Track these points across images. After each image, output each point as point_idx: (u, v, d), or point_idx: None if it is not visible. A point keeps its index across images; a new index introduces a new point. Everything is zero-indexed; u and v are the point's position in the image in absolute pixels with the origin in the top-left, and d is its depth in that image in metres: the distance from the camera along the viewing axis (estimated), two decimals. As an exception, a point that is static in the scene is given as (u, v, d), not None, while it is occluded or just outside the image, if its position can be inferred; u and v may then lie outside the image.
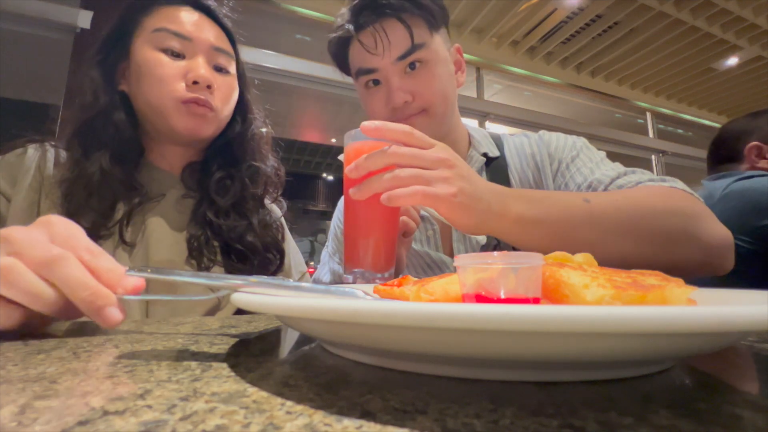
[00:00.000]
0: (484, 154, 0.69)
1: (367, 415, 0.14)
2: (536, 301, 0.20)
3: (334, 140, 4.85)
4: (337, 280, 0.74)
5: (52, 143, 0.56)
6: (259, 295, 0.22)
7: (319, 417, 0.13)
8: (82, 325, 0.33)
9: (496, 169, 0.68)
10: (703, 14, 2.83)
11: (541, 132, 0.71)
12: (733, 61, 3.34)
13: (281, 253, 0.63)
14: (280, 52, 2.38)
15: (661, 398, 0.16)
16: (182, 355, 0.22)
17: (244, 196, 0.61)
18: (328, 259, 0.77)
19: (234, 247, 0.57)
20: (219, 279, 0.26)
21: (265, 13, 2.46)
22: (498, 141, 0.73)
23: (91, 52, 0.57)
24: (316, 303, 0.16)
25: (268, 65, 2.33)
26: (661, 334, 0.14)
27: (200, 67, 0.55)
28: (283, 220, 0.69)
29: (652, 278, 0.22)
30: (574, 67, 3.53)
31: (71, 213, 0.50)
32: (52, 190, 0.51)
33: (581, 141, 0.66)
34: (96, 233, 0.50)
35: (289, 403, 0.15)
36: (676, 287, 0.19)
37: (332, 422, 0.13)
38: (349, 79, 0.69)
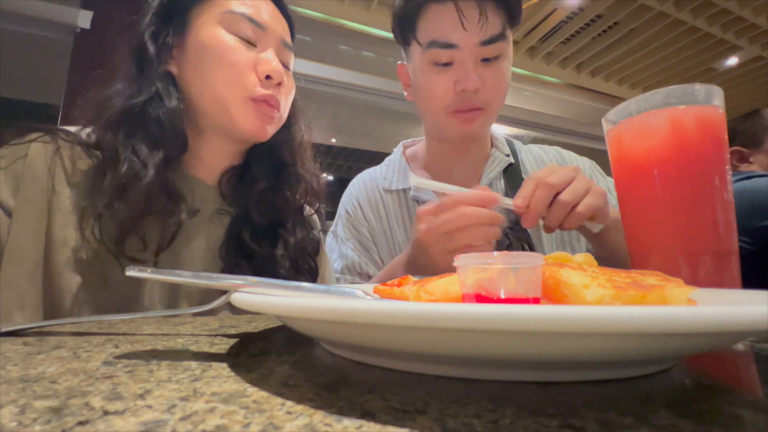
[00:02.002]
0: (507, 155, 0.70)
1: (367, 415, 0.14)
2: (536, 301, 0.20)
3: (334, 140, 4.84)
4: (351, 265, 0.71)
5: (64, 137, 0.46)
6: (259, 295, 0.22)
7: (319, 417, 0.13)
8: (83, 325, 0.33)
9: (512, 174, 0.69)
10: (703, 14, 2.83)
11: (557, 148, 0.75)
12: (733, 61, 3.34)
13: (314, 280, 0.58)
14: (280, 52, 2.37)
15: (661, 398, 0.16)
16: (182, 355, 0.22)
17: (286, 211, 0.55)
18: (339, 244, 0.74)
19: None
20: (219, 279, 0.26)
21: (265, 13, 2.45)
22: (511, 146, 0.74)
23: (141, 18, 0.49)
24: (316, 303, 0.16)
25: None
26: (661, 334, 0.14)
27: (273, 60, 0.49)
28: (321, 233, 0.65)
29: (652, 278, 0.22)
30: (574, 67, 3.53)
31: (111, 235, 0.41)
32: (78, 204, 0.42)
33: (591, 162, 0.73)
34: (136, 260, 0.42)
35: (289, 403, 0.15)
36: (676, 287, 0.19)
37: (332, 422, 0.13)
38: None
